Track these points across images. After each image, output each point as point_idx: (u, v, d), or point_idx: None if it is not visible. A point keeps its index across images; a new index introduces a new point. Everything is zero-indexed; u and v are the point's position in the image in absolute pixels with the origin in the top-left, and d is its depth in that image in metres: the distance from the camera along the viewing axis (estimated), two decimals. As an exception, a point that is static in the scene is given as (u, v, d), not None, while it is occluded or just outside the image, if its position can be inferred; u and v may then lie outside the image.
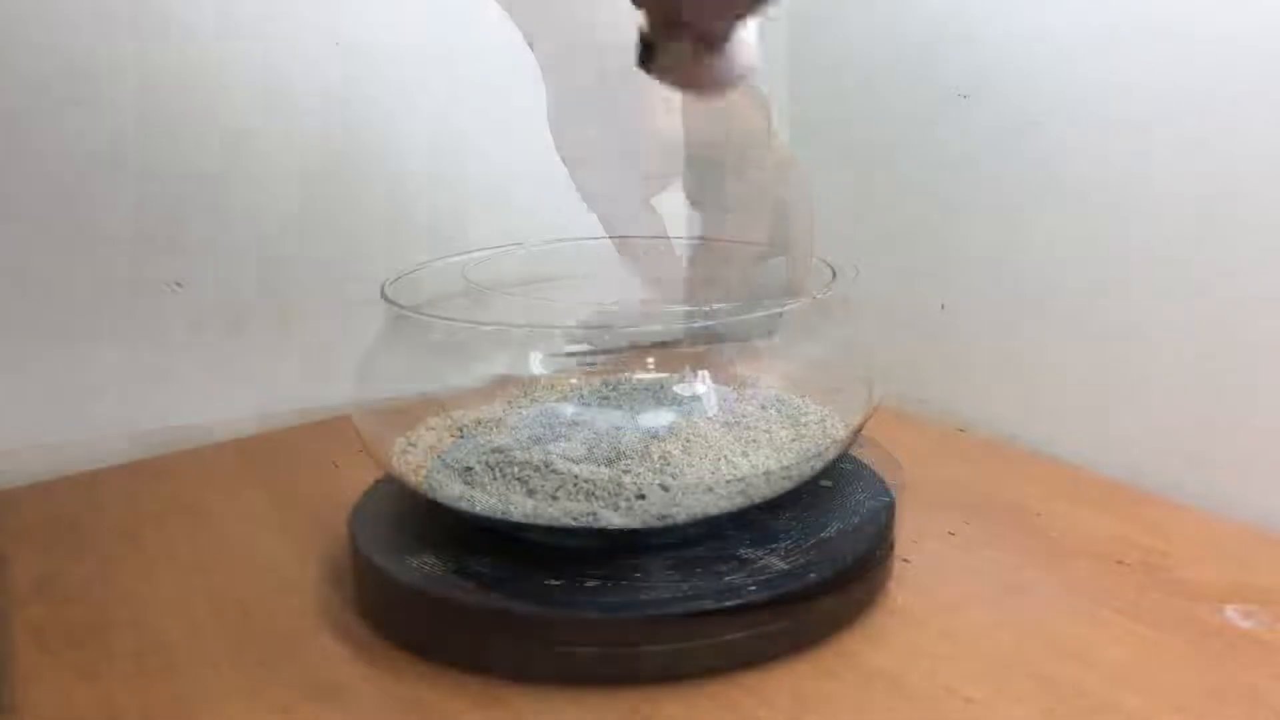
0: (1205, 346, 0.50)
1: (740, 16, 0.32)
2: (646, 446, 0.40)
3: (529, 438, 0.42)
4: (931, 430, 0.60)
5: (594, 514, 0.38)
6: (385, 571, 0.39)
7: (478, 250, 0.49)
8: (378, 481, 0.46)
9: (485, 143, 0.66)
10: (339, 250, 0.62)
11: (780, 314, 0.42)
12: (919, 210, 0.61)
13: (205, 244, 0.59)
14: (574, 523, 0.38)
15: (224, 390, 0.60)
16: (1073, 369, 0.55)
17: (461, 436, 0.44)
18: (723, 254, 0.46)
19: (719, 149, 0.45)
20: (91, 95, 0.54)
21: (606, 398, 0.46)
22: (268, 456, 0.58)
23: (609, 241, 0.46)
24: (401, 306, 0.42)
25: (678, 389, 0.43)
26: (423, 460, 0.42)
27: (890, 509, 0.43)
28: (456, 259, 0.48)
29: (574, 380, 0.47)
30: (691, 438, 0.41)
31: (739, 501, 0.40)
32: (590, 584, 0.37)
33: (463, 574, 0.38)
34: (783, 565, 0.38)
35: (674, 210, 0.46)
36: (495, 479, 0.40)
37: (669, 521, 0.39)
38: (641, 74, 0.33)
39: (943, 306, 0.61)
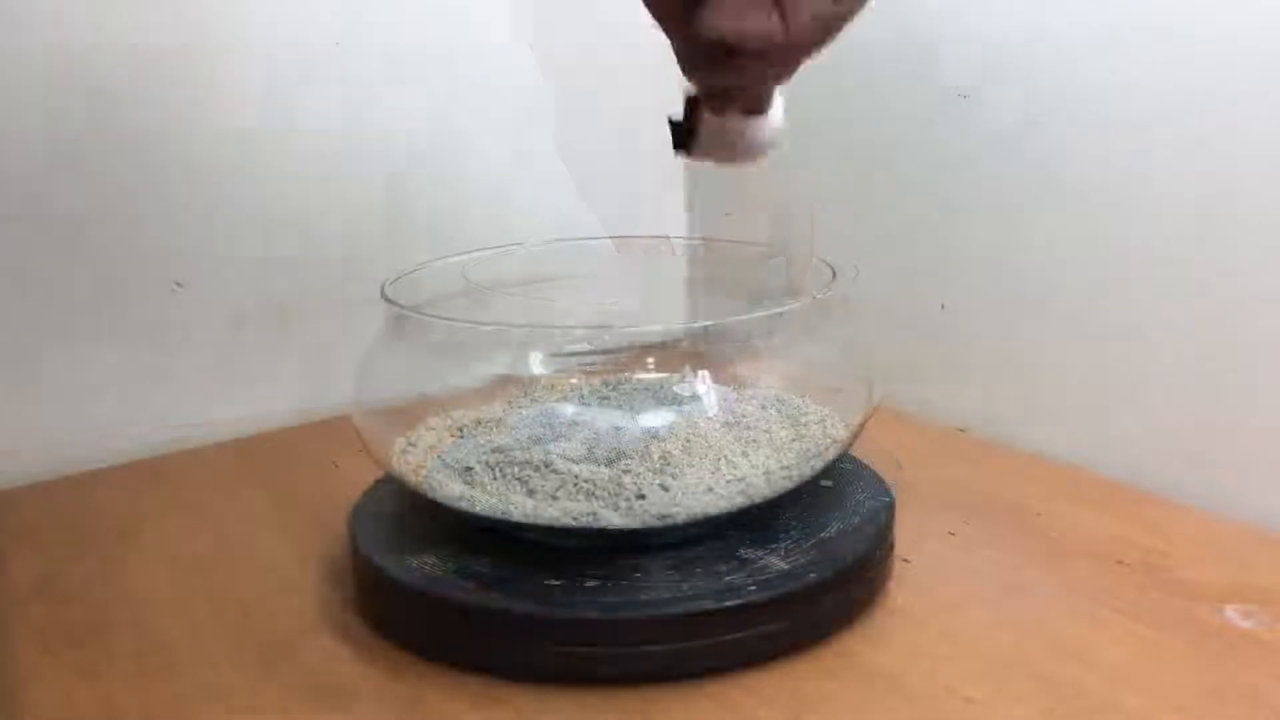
0: (1205, 346, 0.50)
1: (786, 79, 0.33)
2: (646, 446, 0.40)
3: (529, 438, 0.42)
4: (931, 430, 0.60)
5: (594, 514, 0.38)
6: (385, 571, 0.39)
7: (478, 250, 0.49)
8: (378, 481, 0.46)
9: (485, 143, 0.66)
10: (339, 250, 0.62)
11: (780, 314, 0.42)
12: (919, 210, 0.61)
13: (205, 244, 0.59)
14: (574, 523, 0.38)
15: (224, 390, 0.60)
16: (1073, 369, 0.55)
17: (461, 436, 0.44)
18: (723, 254, 0.46)
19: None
20: (90, 93, 0.54)
21: (606, 398, 0.46)
22: (268, 456, 0.58)
23: (609, 241, 0.46)
24: (401, 306, 0.42)
25: (678, 389, 0.43)
26: (423, 460, 0.42)
27: (890, 509, 0.43)
28: (456, 259, 0.48)
29: (574, 380, 0.47)
30: (691, 438, 0.41)
31: (739, 501, 0.40)
32: (590, 584, 0.37)
33: (463, 574, 0.38)
34: (783, 565, 0.38)
35: (674, 210, 0.46)
36: (495, 479, 0.40)
37: (669, 521, 0.39)
38: None
39: (943, 306, 0.61)
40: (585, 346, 0.43)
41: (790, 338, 0.43)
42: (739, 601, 0.36)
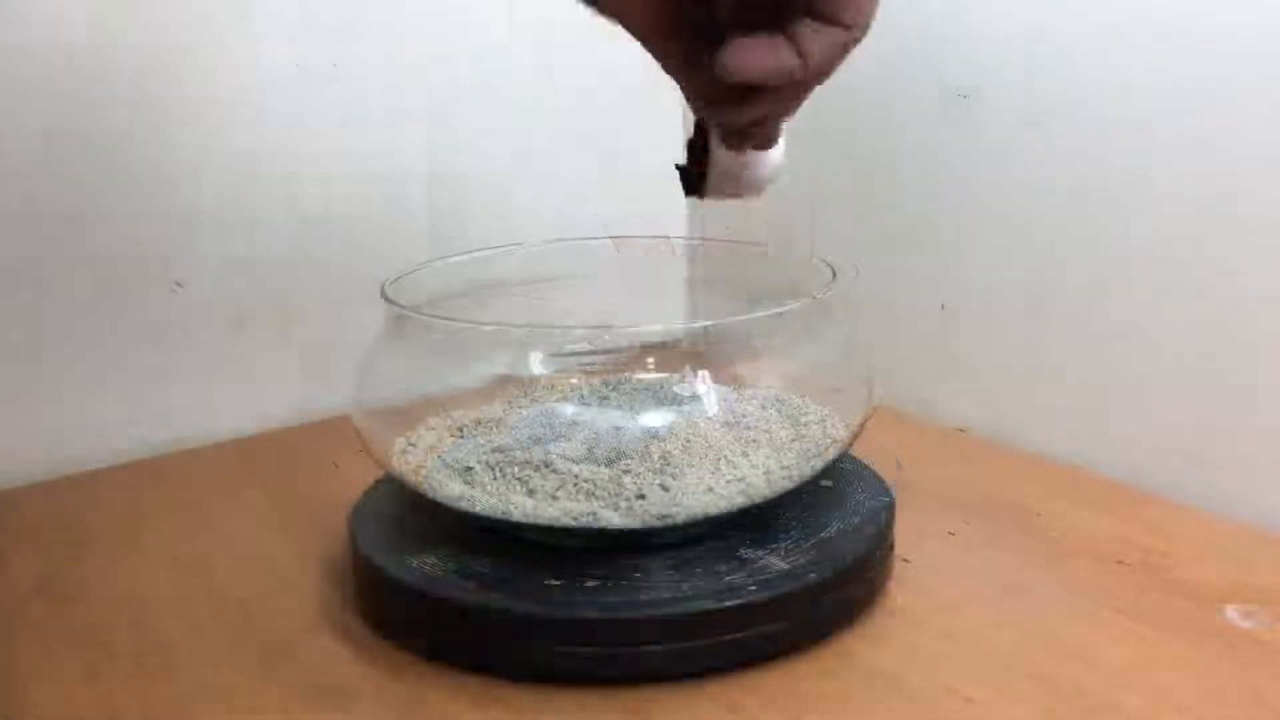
0: (1205, 346, 0.50)
1: (794, 113, 0.34)
2: (646, 446, 0.40)
3: (529, 437, 0.42)
4: (931, 430, 0.60)
5: (594, 514, 0.38)
6: (385, 571, 0.39)
7: (478, 250, 0.49)
8: (378, 481, 0.46)
9: (485, 143, 0.66)
10: (339, 250, 0.62)
11: (780, 314, 0.42)
12: (919, 210, 0.61)
13: (205, 244, 0.59)
14: (574, 523, 0.38)
15: (224, 390, 0.60)
16: (1073, 369, 0.55)
17: (461, 436, 0.44)
18: (723, 254, 0.46)
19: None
20: (90, 93, 0.54)
21: (606, 398, 0.46)
22: (268, 456, 0.58)
23: (609, 241, 0.46)
24: (401, 306, 0.42)
25: (678, 389, 0.43)
26: (423, 460, 0.42)
27: (890, 509, 0.43)
28: (456, 259, 0.48)
29: (574, 380, 0.47)
30: (691, 438, 0.41)
31: (739, 501, 0.40)
32: (590, 584, 0.37)
33: (463, 574, 0.38)
34: (783, 565, 0.38)
35: (674, 210, 0.46)
36: (495, 479, 0.40)
37: (669, 521, 0.39)
38: None
39: (943, 306, 0.61)
40: (585, 346, 0.43)
41: (790, 338, 0.43)
42: (739, 601, 0.36)
